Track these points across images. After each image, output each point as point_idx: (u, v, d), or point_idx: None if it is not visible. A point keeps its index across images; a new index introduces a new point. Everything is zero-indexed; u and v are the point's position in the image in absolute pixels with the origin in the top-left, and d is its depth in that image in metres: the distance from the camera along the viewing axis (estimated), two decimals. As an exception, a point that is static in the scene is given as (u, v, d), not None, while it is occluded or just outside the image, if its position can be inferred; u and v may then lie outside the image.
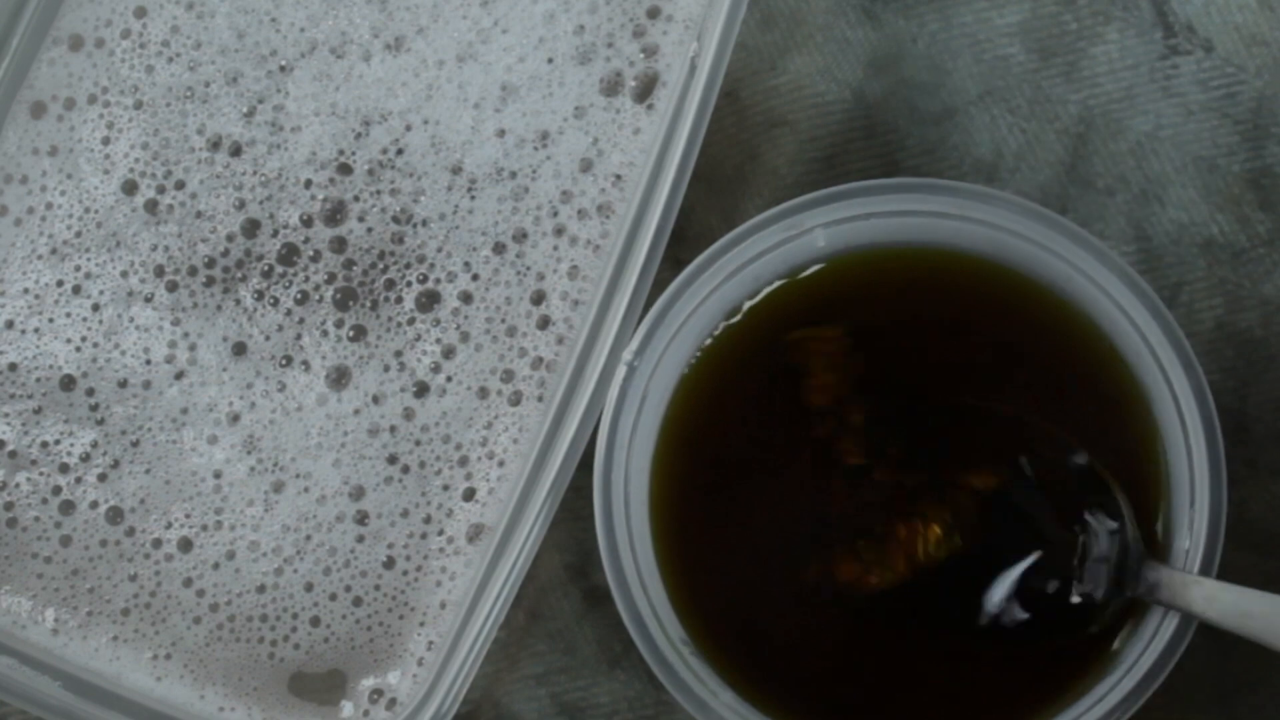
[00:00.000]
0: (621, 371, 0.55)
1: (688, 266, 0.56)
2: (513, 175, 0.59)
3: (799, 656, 0.57)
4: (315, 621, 0.58)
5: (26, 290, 0.60)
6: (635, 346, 0.55)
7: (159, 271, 0.59)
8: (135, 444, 0.59)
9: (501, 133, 0.59)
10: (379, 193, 0.59)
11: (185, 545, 0.59)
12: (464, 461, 0.58)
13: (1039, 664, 0.56)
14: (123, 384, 0.59)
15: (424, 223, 0.59)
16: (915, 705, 0.57)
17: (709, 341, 0.58)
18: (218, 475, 0.59)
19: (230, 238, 0.59)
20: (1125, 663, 0.54)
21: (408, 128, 0.59)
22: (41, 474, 0.59)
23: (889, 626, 0.57)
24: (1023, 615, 0.55)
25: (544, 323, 0.59)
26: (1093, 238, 0.55)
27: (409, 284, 0.59)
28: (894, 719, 0.57)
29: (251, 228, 0.59)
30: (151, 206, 0.60)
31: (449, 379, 0.59)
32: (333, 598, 0.58)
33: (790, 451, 0.57)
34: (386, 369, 0.59)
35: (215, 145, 0.60)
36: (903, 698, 0.57)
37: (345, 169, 0.59)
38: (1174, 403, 0.54)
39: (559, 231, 0.59)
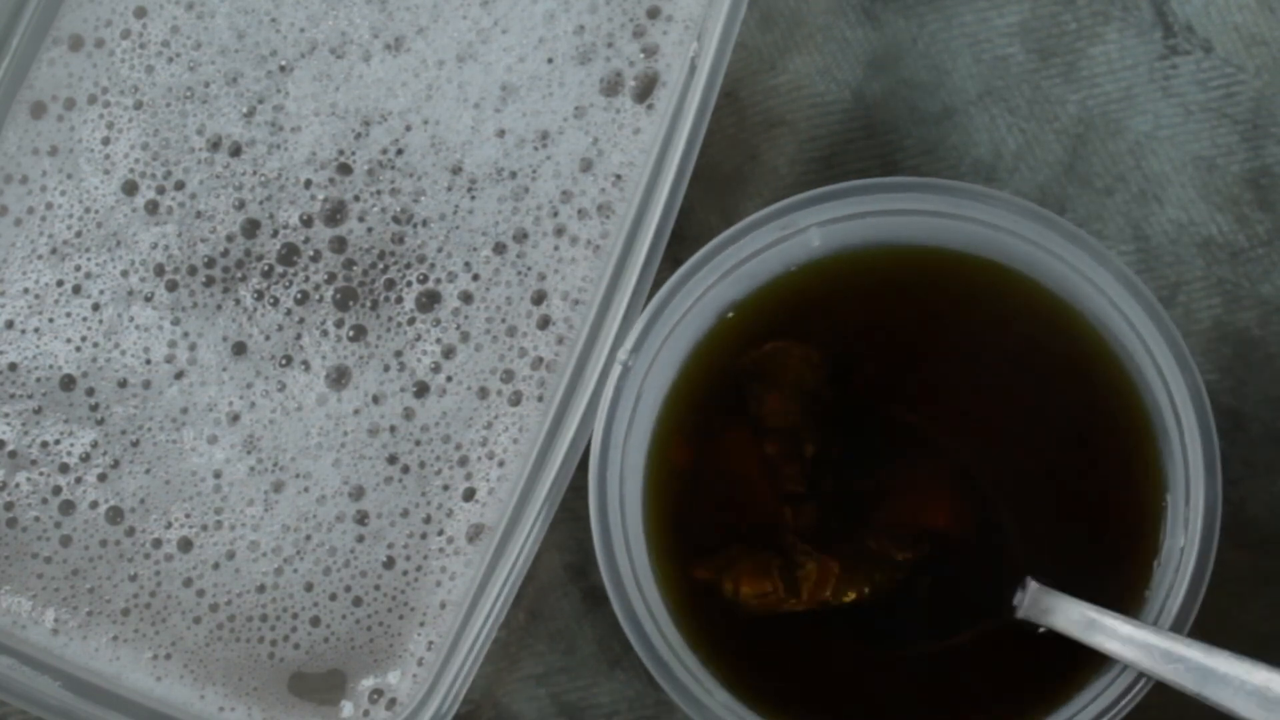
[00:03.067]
0: (616, 371, 0.55)
1: (682, 266, 0.55)
2: (513, 175, 0.59)
3: (795, 657, 0.57)
4: (315, 621, 0.58)
5: (26, 290, 0.59)
6: (630, 346, 0.55)
7: (159, 271, 0.59)
8: (135, 444, 0.59)
9: (501, 133, 0.59)
10: (379, 193, 0.59)
11: (185, 545, 0.59)
12: (464, 461, 0.58)
13: (1036, 663, 0.56)
14: (123, 384, 0.59)
15: (424, 223, 0.59)
16: (911, 704, 0.57)
17: (704, 341, 0.58)
18: (218, 475, 0.59)
19: (230, 238, 0.59)
20: (1122, 663, 0.54)
21: (408, 128, 0.59)
22: (41, 474, 0.59)
23: (883, 627, 0.57)
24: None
25: (544, 323, 0.59)
26: (1089, 237, 0.55)
27: (409, 284, 0.59)
28: (889, 719, 0.57)
29: (251, 228, 0.59)
30: (152, 207, 0.60)
31: (449, 379, 0.59)
32: (333, 598, 0.58)
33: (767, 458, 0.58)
34: (386, 369, 0.59)
35: (215, 145, 0.60)
36: (898, 697, 0.57)
37: (345, 169, 0.59)
38: (1169, 401, 0.54)
39: (559, 231, 0.59)
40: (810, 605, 0.56)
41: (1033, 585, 0.55)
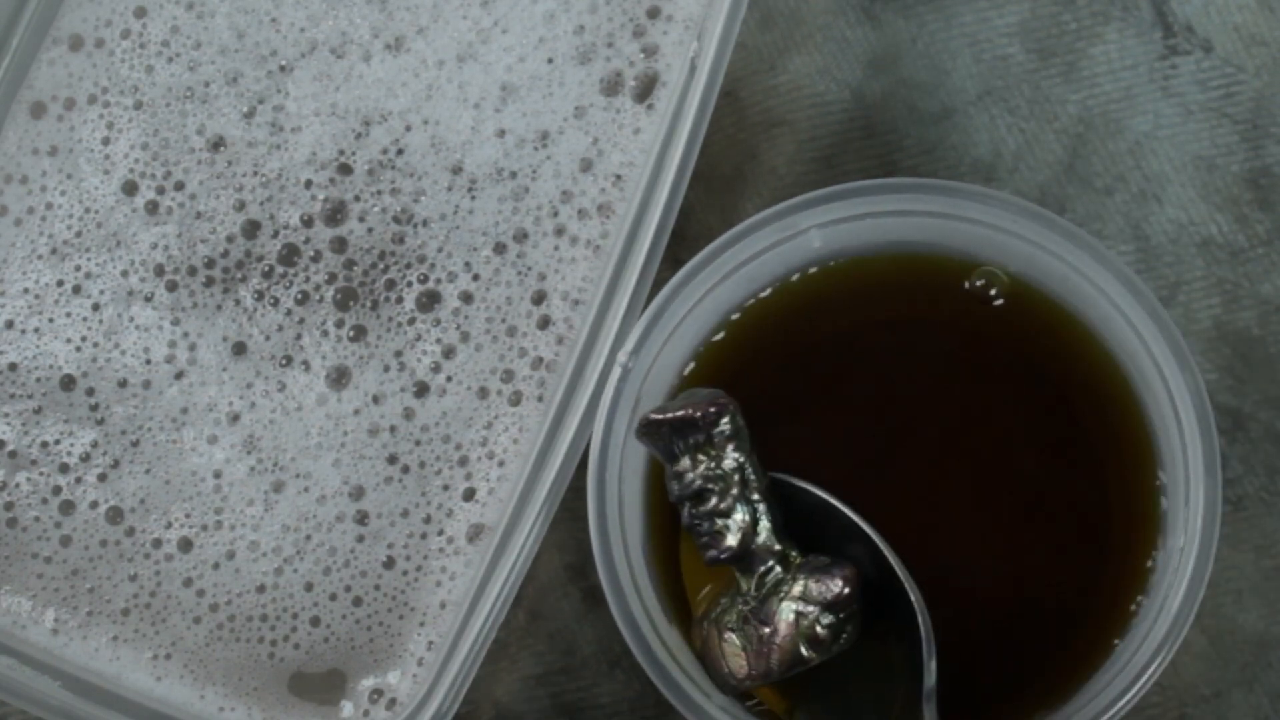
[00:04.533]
0: (616, 373, 0.55)
1: (682, 269, 0.55)
2: (513, 175, 0.59)
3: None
4: (315, 621, 0.58)
5: (26, 290, 0.59)
6: (630, 348, 0.55)
7: (159, 271, 0.59)
8: (135, 444, 0.59)
9: (501, 133, 0.59)
10: (379, 193, 0.59)
11: (185, 545, 0.59)
12: (464, 461, 0.58)
13: (1034, 662, 0.56)
14: (123, 384, 0.59)
15: (424, 223, 0.59)
16: (909, 706, 0.57)
17: (704, 344, 0.58)
18: (218, 475, 0.59)
19: (230, 238, 0.59)
20: (1120, 660, 0.55)
21: (408, 128, 0.59)
22: (41, 474, 0.59)
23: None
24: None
25: (544, 323, 0.59)
26: (1089, 237, 0.55)
27: (409, 284, 0.59)
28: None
29: (252, 228, 0.59)
30: (152, 207, 0.60)
31: (449, 379, 0.59)
32: (333, 598, 0.58)
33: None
34: (386, 369, 0.59)
35: (215, 145, 0.60)
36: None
37: (345, 169, 0.59)
38: (1170, 401, 0.54)
39: (559, 231, 0.59)
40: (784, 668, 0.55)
41: None
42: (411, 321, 0.59)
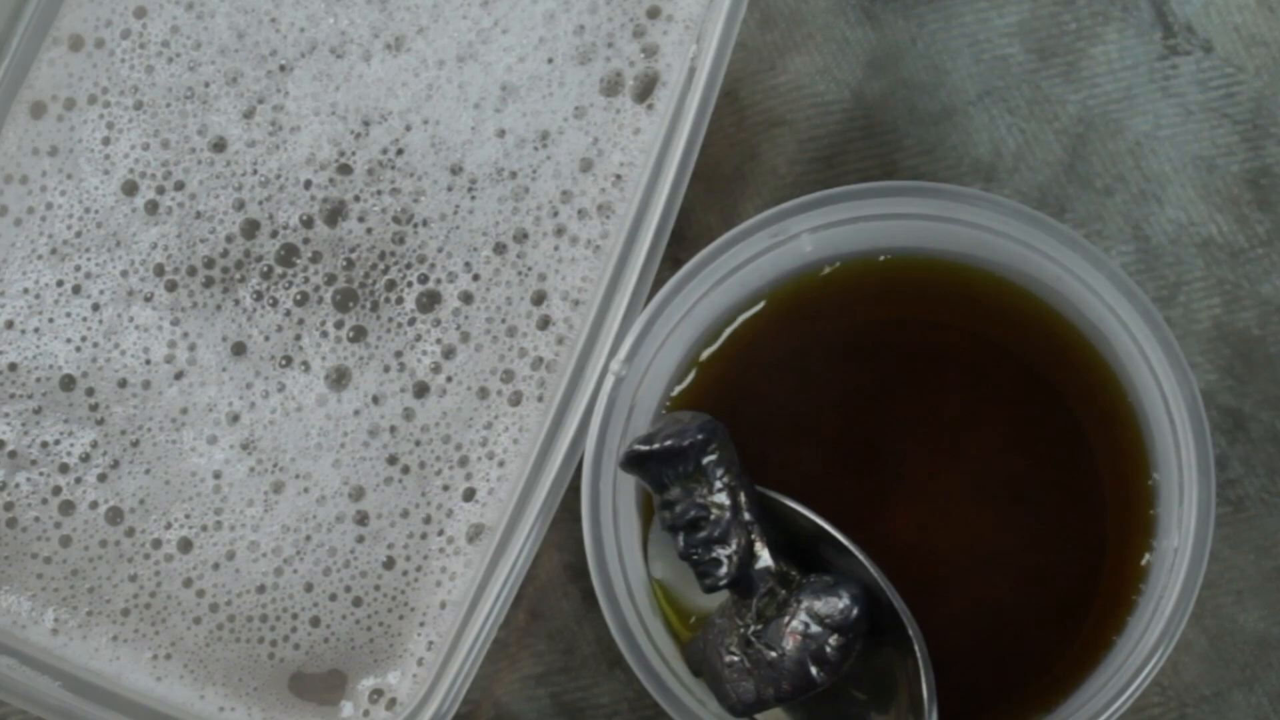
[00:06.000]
0: (609, 382, 0.55)
1: (673, 276, 0.55)
2: (513, 175, 0.59)
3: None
4: (315, 621, 0.58)
5: (26, 290, 0.59)
6: (622, 357, 0.55)
7: (159, 271, 0.59)
8: (135, 444, 0.59)
9: (501, 133, 0.59)
10: (379, 193, 0.59)
11: (185, 545, 0.59)
12: (464, 461, 0.58)
13: (1033, 661, 0.56)
14: (122, 384, 0.59)
15: (424, 223, 0.59)
16: (908, 707, 0.57)
17: (698, 349, 0.58)
18: (217, 475, 0.59)
19: (230, 238, 0.59)
20: (1119, 658, 0.55)
21: (408, 128, 0.59)
22: (41, 474, 0.59)
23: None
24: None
25: (544, 323, 0.59)
26: (1083, 239, 0.55)
27: (409, 284, 0.59)
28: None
29: (251, 228, 0.59)
30: (151, 207, 0.60)
31: (449, 379, 0.59)
32: (333, 598, 0.58)
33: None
34: (386, 369, 0.59)
35: (215, 145, 0.60)
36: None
37: (345, 169, 0.59)
38: (1164, 403, 0.55)
39: (559, 231, 0.59)
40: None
41: None
42: (411, 322, 0.59)
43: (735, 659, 0.54)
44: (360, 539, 0.58)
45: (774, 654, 0.53)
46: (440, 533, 0.58)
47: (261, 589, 0.58)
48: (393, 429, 0.59)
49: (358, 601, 0.58)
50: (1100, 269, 0.55)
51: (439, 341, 0.59)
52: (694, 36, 0.59)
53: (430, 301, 0.59)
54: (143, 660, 0.58)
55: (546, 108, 0.59)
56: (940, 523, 0.57)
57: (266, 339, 0.59)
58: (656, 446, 0.54)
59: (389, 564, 0.58)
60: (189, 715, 0.58)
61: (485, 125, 0.59)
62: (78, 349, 0.59)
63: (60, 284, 0.59)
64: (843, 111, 0.63)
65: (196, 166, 0.60)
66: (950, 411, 0.57)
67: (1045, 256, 0.55)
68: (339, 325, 0.59)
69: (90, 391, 0.59)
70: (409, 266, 0.59)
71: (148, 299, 0.59)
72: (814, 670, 0.53)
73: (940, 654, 0.54)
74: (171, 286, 0.59)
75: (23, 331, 0.59)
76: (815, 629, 0.53)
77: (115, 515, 0.59)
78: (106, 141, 0.60)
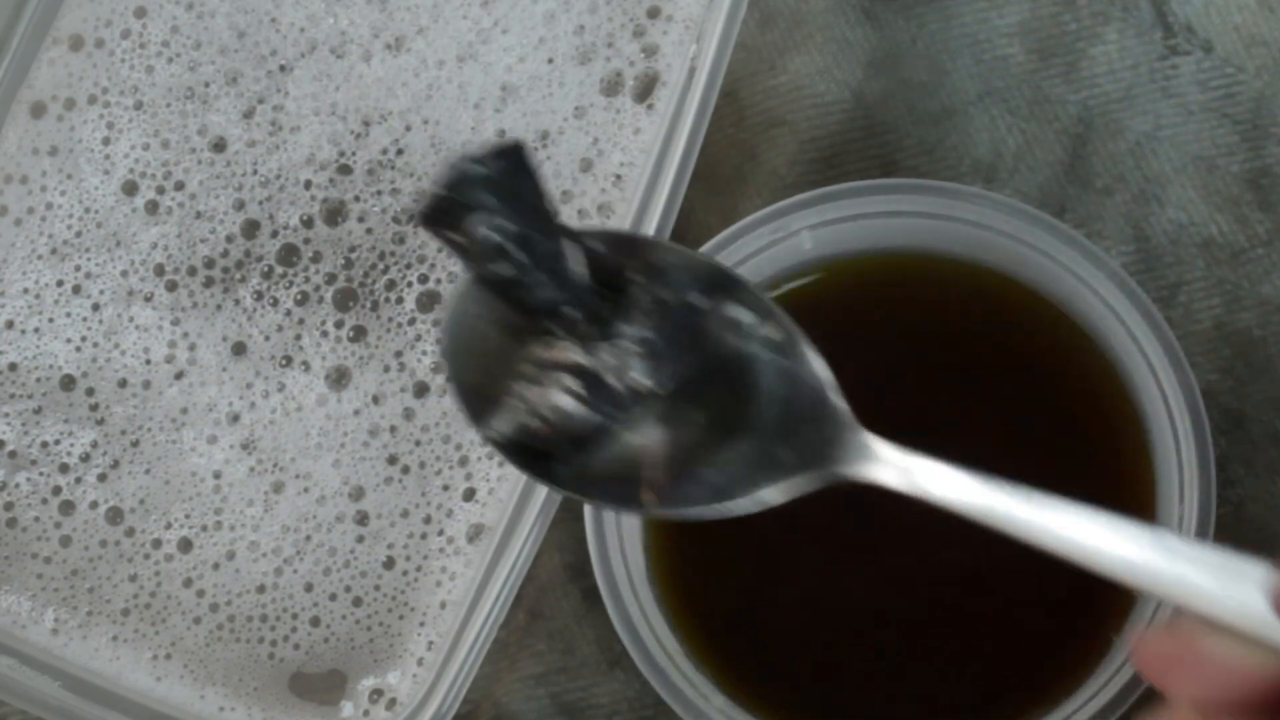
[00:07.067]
0: None
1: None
2: (513, 175, 0.59)
3: (791, 659, 0.57)
4: (315, 621, 0.58)
5: (26, 290, 0.59)
6: None
7: (159, 271, 0.59)
8: (135, 444, 0.59)
9: (501, 133, 0.59)
10: (379, 193, 0.59)
11: (185, 545, 0.59)
12: (464, 461, 0.59)
13: (1034, 660, 0.56)
14: (123, 384, 0.59)
15: (424, 223, 0.59)
16: (908, 706, 0.57)
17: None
18: (217, 475, 0.59)
19: (230, 238, 0.59)
20: (1118, 658, 0.55)
21: (408, 128, 0.59)
22: (41, 474, 0.59)
23: (880, 626, 0.57)
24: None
25: (544, 323, 0.59)
26: (1083, 238, 0.55)
27: (409, 284, 0.59)
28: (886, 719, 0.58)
29: (251, 228, 0.59)
30: (151, 207, 0.60)
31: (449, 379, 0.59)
32: (333, 598, 0.58)
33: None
34: (386, 369, 0.59)
35: (215, 145, 0.60)
36: (895, 698, 0.57)
37: (345, 169, 0.59)
38: (1164, 402, 0.55)
39: (559, 232, 0.59)
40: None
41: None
42: (411, 322, 0.59)
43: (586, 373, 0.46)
44: (360, 539, 0.58)
45: (646, 334, 0.46)
46: (440, 533, 0.58)
47: (261, 589, 0.58)
48: (393, 429, 0.59)
49: (358, 601, 0.58)
50: (1101, 268, 0.55)
51: (439, 341, 0.59)
52: (694, 36, 0.59)
53: (430, 301, 0.59)
54: (143, 660, 0.58)
55: (546, 108, 0.59)
56: (939, 519, 0.57)
57: (267, 339, 0.59)
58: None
59: (389, 564, 0.58)
60: (189, 715, 0.58)
61: (485, 125, 0.59)
62: (78, 349, 0.59)
63: (60, 284, 0.59)
64: (843, 112, 0.63)
65: (196, 166, 0.60)
66: (949, 411, 0.57)
67: (1045, 256, 0.55)
68: (339, 325, 0.59)
69: (90, 391, 0.59)
70: (409, 266, 0.59)
71: (148, 299, 0.59)
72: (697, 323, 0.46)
73: (939, 654, 0.54)
74: (171, 286, 0.59)
75: (23, 331, 0.59)
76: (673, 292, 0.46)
77: (115, 515, 0.59)
78: (106, 141, 0.60)
